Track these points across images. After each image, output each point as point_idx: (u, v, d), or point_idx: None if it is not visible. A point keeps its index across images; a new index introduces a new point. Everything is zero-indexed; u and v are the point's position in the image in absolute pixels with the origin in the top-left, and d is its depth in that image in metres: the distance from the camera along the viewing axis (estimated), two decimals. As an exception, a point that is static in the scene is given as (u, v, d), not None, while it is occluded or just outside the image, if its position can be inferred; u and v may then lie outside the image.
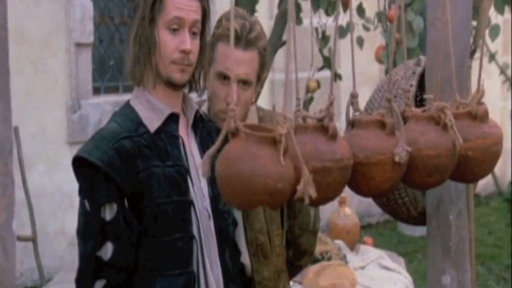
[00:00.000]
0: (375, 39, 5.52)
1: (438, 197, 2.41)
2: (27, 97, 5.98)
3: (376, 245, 5.17)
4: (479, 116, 2.13)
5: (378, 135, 1.91)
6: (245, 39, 2.26)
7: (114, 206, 2.02)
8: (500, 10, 4.13)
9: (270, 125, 1.72)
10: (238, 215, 2.34)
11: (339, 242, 4.12)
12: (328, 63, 4.66)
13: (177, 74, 2.07)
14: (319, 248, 3.62)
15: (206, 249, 2.11)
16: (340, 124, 1.80)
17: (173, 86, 2.09)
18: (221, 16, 2.32)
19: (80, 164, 2.04)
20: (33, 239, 5.28)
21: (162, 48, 2.05)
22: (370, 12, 4.58)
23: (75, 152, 2.09)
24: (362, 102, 2.01)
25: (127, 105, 2.14)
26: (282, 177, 1.63)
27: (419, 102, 2.73)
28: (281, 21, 4.37)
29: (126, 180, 2.02)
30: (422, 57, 2.59)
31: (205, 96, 2.37)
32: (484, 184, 8.50)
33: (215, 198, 2.16)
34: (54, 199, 6.24)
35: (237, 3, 3.93)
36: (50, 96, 6.23)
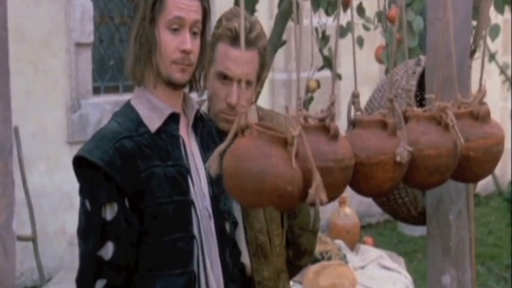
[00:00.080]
0: (375, 39, 5.52)
1: (438, 196, 2.41)
2: (27, 97, 5.98)
3: (376, 244, 5.17)
4: (481, 116, 2.13)
5: (379, 135, 1.91)
6: (245, 39, 2.26)
7: (114, 206, 2.02)
8: (500, 10, 4.13)
9: (281, 126, 1.70)
10: (238, 214, 2.34)
11: (339, 242, 4.12)
12: (328, 63, 4.66)
13: (177, 74, 2.07)
14: (319, 248, 3.62)
15: (207, 249, 2.11)
16: (340, 124, 1.79)
17: (174, 85, 2.09)
18: (221, 16, 2.32)
19: (80, 164, 2.04)
20: (33, 239, 5.28)
21: (162, 48, 2.05)
22: (370, 12, 4.58)
23: (75, 152, 2.09)
24: (362, 102, 2.01)
25: (127, 105, 2.14)
26: (293, 179, 1.61)
27: (419, 101, 2.73)
28: (281, 21, 4.37)
29: (127, 180, 2.02)
30: (422, 57, 2.59)
31: (205, 96, 2.37)
32: (484, 184, 8.50)
33: (215, 198, 2.16)
34: (54, 199, 6.24)
35: (236, 3, 3.94)
36: (50, 96, 6.23)
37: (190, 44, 2.06)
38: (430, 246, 2.48)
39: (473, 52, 2.85)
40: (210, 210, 2.14)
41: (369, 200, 2.38)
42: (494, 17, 4.02)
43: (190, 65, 2.09)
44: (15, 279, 1.40)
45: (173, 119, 2.12)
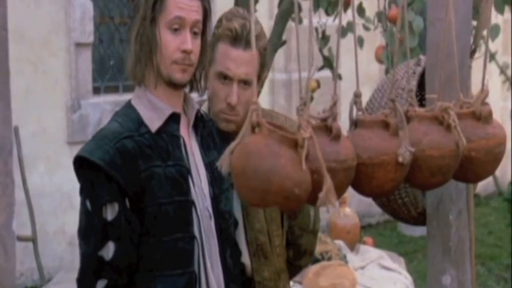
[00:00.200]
0: (375, 39, 5.52)
1: (438, 197, 2.41)
2: (27, 97, 5.98)
3: (376, 245, 5.17)
4: (483, 117, 2.13)
5: (381, 135, 1.90)
6: (245, 39, 2.26)
7: (115, 206, 2.02)
8: (500, 10, 4.13)
9: (291, 127, 1.67)
10: (238, 215, 2.34)
11: (339, 242, 4.12)
12: (328, 63, 4.66)
13: (178, 74, 2.07)
14: (319, 248, 3.62)
15: (207, 249, 2.11)
16: (341, 124, 1.79)
17: (174, 85, 2.09)
18: (221, 16, 2.32)
19: (81, 164, 2.04)
20: (33, 239, 5.28)
21: (163, 48, 2.05)
22: (370, 12, 4.58)
23: (75, 152, 2.09)
24: (362, 103, 2.01)
25: (128, 105, 2.14)
26: (301, 182, 1.59)
27: (419, 101, 2.72)
28: (281, 21, 4.37)
29: (128, 180, 2.01)
30: (422, 57, 2.59)
31: (205, 96, 2.37)
32: (484, 184, 8.50)
33: (216, 198, 2.16)
34: (54, 199, 6.24)
35: (236, 3, 3.93)
36: (50, 96, 6.23)
37: (191, 44, 2.06)
38: (430, 246, 2.48)
39: (473, 52, 2.85)
40: (210, 210, 2.14)
41: (369, 200, 2.38)
42: (494, 17, 4.03)
43: (191, 65, 2.09)
44: (15, 280, 1.40)
45: (174, 119, 2.12)
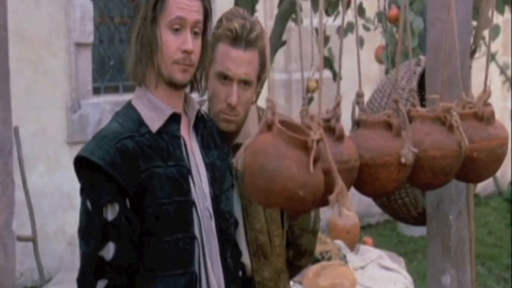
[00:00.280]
0: (375, 39, 5.52)
1: (438, 197, 2.41)
2: (27, 97, 5.98)
3: (376, 245, 5.17)
4: (485, 117, 2.13)
5: (384, 136, 1.90)
6: (245, 39, 2.26)
7: (116, 206, 2.02)
8: (500, 10, 4.13)
9: (307, 128, 1.65)
10: (238, 215, 2.34)
11: (339, 242, 4.12)
12: (328, 63, 4.66)
13: (178, 74, 2.07)
14: (319, 248, 3.62)
15: (207, 249, 2.11)
16: (341, 124, 1.79)
17: (175, 86, 2.09)
18: (221, 16, 2.32)
19: (81, 164, 2.04)
20: (33, 239, 5.28)
21: (164, 48, 2.05)
22: (370, 12, 4.58)
23: (75, 152, 2.09)
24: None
25: (129, 105, 2.14)
26: (306, 184, 1.57)
27: (419, 102, 2.72)
28: (281, 21, 4.37)
29: (128, 180, 2.01)
30: (422, 57, 2.59)
31: (205, 96, 2.36)
32: (484, 184, 8.50)
33: (216, 198, 2.16)
34: (54, 199, 6.24)
35: (237, 3, 3.94)
36: (50, 96, 6.23)
37: (192, 44, 2.06)
38: (430, 246, 2.48)
39: (473, 52, 2.85)
40: (211, 210, 2.14)
41: (369, 200, 2.38)
42: (495, 17, 4.03)
43: (192, 65, 2.09)
44: (15, 280, 1.40)
45: (174, 119, 2.12)
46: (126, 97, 4.33)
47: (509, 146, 2.23)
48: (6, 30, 1.37)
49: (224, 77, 2.27)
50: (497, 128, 2.15)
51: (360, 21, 4.50)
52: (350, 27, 4.14)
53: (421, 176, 2.00)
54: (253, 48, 2.27)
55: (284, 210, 2.28)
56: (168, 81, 2.08)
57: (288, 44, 5.84)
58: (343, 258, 3.90)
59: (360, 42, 4.54)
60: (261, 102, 2.63)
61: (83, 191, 2.06)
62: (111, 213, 2.02)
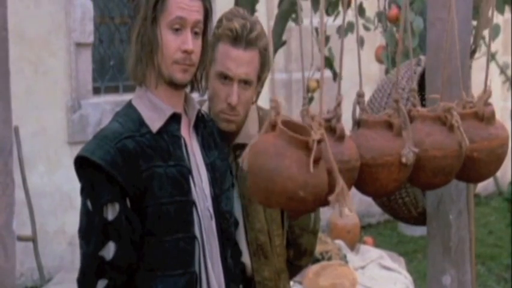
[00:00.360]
0: (375, 39, 5.52)
1: (438, 197, 2.41)
2: (27, 97, 5.98)
3: (376, 245, 5.17)
4: (486, 117, 2.13)
5: (385, 135, 1.90)
6: (246, 39, 2.26)
7: (116, 206, 2.02)
8: (500, 10, 4.13)
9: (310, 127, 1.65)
10: (238, 215, 2.34)
11: (339, 242, 4.12)
12: (328, 63, 4.66)
13: (179, 74, 2.07)
14: (319, 248, 3.62)
15: (208, 249, 2.11)
16: (341, 124, 1.79)
17: (175, 86, 2.09)
18: (221, 16, 2.32)
19: (82, 164, 2.04)
20: (33, 239, 5.27)
21: (164, 48, 2.05)
22: (370, 12, 4.58)
23: (75, 152, 2.09)
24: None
25: (129, 105, 2.14)
26: (306, 185, 1.57)
27: (420, 101, 2.72)
28: (281, 21, 4.37)
29: (129, 180, 2.01)
30: (422, 57, 2.59)
31: (205, 96, 2.36)
32: (484, 184, 8.50)
33: (217, 198, 2.16)
34: (54, 199, 6.24)
35: (237, 3, 3.93)
36: (50, 96, 6.23)
37: (192, 44, 2.06)
38: (430, 246, 2.48)
39: (473, 52, 2.85)
40: (211, 210, 2.14)
41: (369, 200, 2.38)
42: (495, 17, 4.03)
43: (192, 65, 2.08)
44: (15, 280, 1.40)
45: (175, 119, 2.11)
46: (126, 97, 4.33)
47: (510, 145, 2.23)
48: (6, 30, 1.37)
49: (224, 77, 2.27)
50: (497, 128, 2.15)
51: (360, 21, 4.51)
52: (350, 27, 4.14)
53: (422, 176, 2.00)
54: (254, 48, 2.27)
55: (285, 211, 2.28)
56: (168, 81, 2.08)
57: (288, 44, 5.84)
58: (344, 258, 3.90)
59: (360, 42, 4.54)
60: (261, 102, 2.63)
61: (83, 191, 2.06)
62: (111, 213, 2.02)
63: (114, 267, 2.03)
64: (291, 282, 2.67)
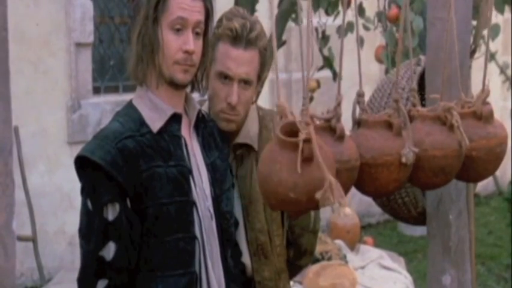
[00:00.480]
0: (375, 39, 5.52)
1: (438, 196, 2.41)
2: (27, 97, 5.98)
3: (376, 244, 5.17)
4: (484, 116, 2.13)
5: (384, 135, 1.90)
6: (246, 38, 2.26)
7: (116, 206, 2.02)
8: (500, 10, 4.13)
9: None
10: (238, 214, 2.34)
11: (339, 242, 4.12)
12: (328, 63, 4.66)
13: (180, 75, 2.07)
14: (319, 248, 3.62)
15: (208, 249, 2.11)
16: (341, 124, 1.79)
17: (176, 86, 2.09)
18: (222, 16, 2.32)
19: (82, 164, 2.04)
20: (33, 239, 5.27)
21: (165, 48, 2.05)
22: (370, 12, 4.58)
23: (75, 152, 2.08)
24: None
25: (129, 105, 2.14)
26: (296, 186, 1.59)
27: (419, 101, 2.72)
28: (281, 21, 4.37)
29: (129, 180, 2.01)
30: (422, 57, 2.59)
31: (206, 96, 2.36)
32: (484, 184, 8.50)
33: (217, 198, 2.16)
34: (54, 199, 6.24)
35: (237, 3, 3.93)
36: (50, 96, 6.23)
37: (193, 44, 2.06)
38: (430, 246, 2.48)
39: (473, 52, 2.85)
40: (211, 210, 2.14)
41: (369, 200, 2.38)
42: (494, 16, 4.03)
43: (193, 65, 2.08)
44: (15, 279, 1.40)
45: (175, 119, 2.11)
46: (126, 97, 4.33)
47: (509, 145, 2.23)
48: (6, 30, 1.37)
49: (224, 77, 2.27)
50: (496, 127, 2.15)
51: (360, 21, 4.51)
52: (350, 27, 4.14)
53: (422, 175, 2.00)
54: (254, 47, 2.27)
55: (286, 212, 2.28)
56: (169, 81, 2.08)
57: (288, 44, 5.84)
58: (343, 258, 3.90)
59: (360, 42, 4.54)
60: (261, 101, 2.63)
61: (83, 191, 2.06)
62: (111, 213, 2.02)
63: (114, 268, 2.03)
64: (291, 282, 2.67)
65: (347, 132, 1.87)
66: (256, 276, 2.39)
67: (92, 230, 2.03)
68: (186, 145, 2.13)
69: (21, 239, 5.07)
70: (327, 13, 4.44)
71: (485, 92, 2.15)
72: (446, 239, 2.42)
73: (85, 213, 2.05)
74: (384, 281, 3.80)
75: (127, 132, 2.05)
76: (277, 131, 1.64)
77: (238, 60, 2.25)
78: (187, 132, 2.15)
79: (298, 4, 1.74)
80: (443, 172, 2.01)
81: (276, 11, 4.46)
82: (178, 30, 2.05)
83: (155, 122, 2.09)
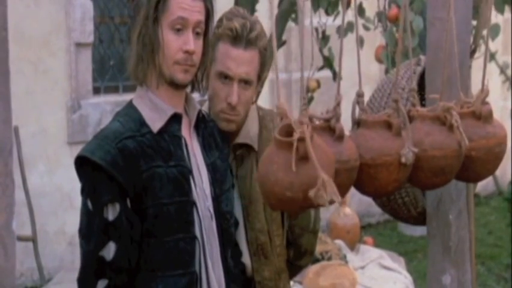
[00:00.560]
0: (375, 39, 5.52)
1: (438, 196, 2.41)
2: (27, 97, 5.98)
3: (376, 244, 5.17)
4: (483, 116, 2.13)
5: (384, 135, 1.90)
6: (246, 38, 2.26)
7: (116, 206, 2.02)
8: (500, 10, 4.13)
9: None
10: (238, 215, 2.34)
11: (339, 242, 4.12)
12: (328, 63, 4.66)
13: (180, 75, 2.07)
14: (319, 248, 3.62)
15: (208, 249, 2.11)
16: (341, 124, 1.79)
17: (176, 86, 2.09)
18: (222, 16, 2.32)
19: (82, 164, 2.04)
20: (33, 239, 5.28)
21: (165, 48, 2.05)
22: (370, 12, 4.57)
23: (75, 152, 2.08)
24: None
25: (130, 105, 2.14)
26: (292, 185, 1.60)
27: (419, 101, 2.72)
28: (281, 21, 4.37)
29: (129, 180, 2.01)
30: (422, 57, 2.59)
31: (206, 96, 2.36)
32: (484, 184, 8.50)
33: (217, 198, 2.16)
34: (54, 199, 6.24)
35: (237, 3, 3.93)
36: (50, 96, 6.23)
37: (193, 44, 2.06)
38: (430, 246, 2.48)
39: (473, 52, 2.85)
40: (211, 210, 2.14)
41: (369, 200, 2.38)
42: (494, 16, 4.03)
43: (193, 65, 2.08)
44: (15, 280, 1.40)
45: (175, 119, 2.11)
46: (126, 97, 4.33)
47: (509, 145, 2.23)
48: (6, 30, 1.37)
49: (224, 77, 2.27)
50: (495, 127, 2.15)
51: (360, 21, 4.50)
52: (350, 27, 4.14)
53: (421, 175, 2.00)
54: (254, 47, 2.27)
55: (285, 212, 2.29)
56: (169, 82, 2.08)
57: (288, 44, 5.84)
58: (343, 258, 3.90)
59: (360, 42, 4.54)
60: (261, 101, 2.63)
61: (83, 191, 2.06)
62: (111, 213, 2.02)
63: (115, 268, 2.03)
64: (291, 282, 2.67)
65: (346, 132, 1.87)
66: (256, 276, 2.39)
67: (92, 230, 2.03)
68: (186, 145, 2.13)
69: (21, 239, 5.07)
70: (327, 13, 4.43)
71: (484, 91, 2.15)
72: (446, 239, 2.42)
73: (85, 213, 2.05)
74: (384, 281, 3.80)
75: (127, 132, 2.05)
76: (275, 133, 1.65)
77: (238, 60, 2.25)
78: (187, 133, 2.15)
79: (298, 4, 1.75)
80: (443, 172, 2.01)
81: (276, 11, 4.47)
82: (178, 30, 2.05)
83: (155, 122, 2.09)
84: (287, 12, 4.35)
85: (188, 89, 2.17)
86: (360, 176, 1.86)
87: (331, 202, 1.59)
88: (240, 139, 2.36)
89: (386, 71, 4.33)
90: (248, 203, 2.36)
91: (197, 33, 2.08)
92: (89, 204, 2.03)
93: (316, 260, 3.69)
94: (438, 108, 2.06)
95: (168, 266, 2.06)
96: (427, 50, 2.41)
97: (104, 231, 2.02)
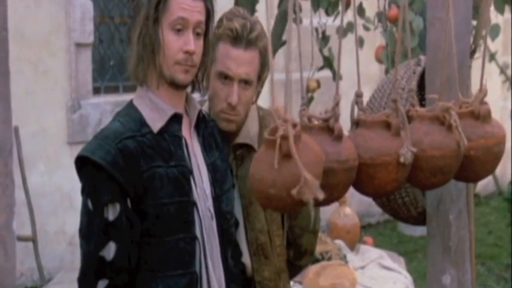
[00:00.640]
0: (375, 39, 5.52)
1: (438, 196, 2.41)
2: (27, 97, 5.98)
3: (376, 244, 5.17)
4: (481, 116, 2.13)
5: (383, 135, 1.90)
6: (246, 38, 2.26)
7: (117, 206, 2.02)
8: (500, 10, 4.13)
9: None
10: (239, 215, 2.34)
11: (339, 242, 4.12)
12: (328, 63, 4.66)
13: (180, 75, 2.07)
14: (319, 248, 3.62)
15: (208, 249, 2.11)
16: (340, 123, 1.79)
17: (176, 86, 2.09)
18: (222, 16, 2.32)
19: (82, 164, 2.04)
20: (33, 239, 5.28)
21: (166, 48, 2.05)
22: (370, 12, 4.58)
23: (75, 152, 2.08)
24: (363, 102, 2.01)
25: (130, 105, 2.14)
26: (275, 183, 1.61)
27: (419, 101, 2.72)
28: (281, 21, 4.37)
29: (129, 180, 2.01)
30: (422, 57, 2.59)
31: (206, 96, 2.37)
32: (484, 184, 8.50)
33: (218, 198, 2.16)
34: (54, 199, 6.24)
35: (237, 3, 3.93)
36: (50, 96, 6.23)
37: (194, 44, 2.06)
38: (430, 246, 2.48)
39: (473, 52, 2.85)
40: (212, 210, 2.14)
41: (369, 200, 2.38)
42: (494, 17, 4.03)
43: (194, 65, 2.08)
44: (15, 280, 1.40)
45: (176, 119, 2.11)
46: (126, 97, 4.33)
47: (509, 145, 2.23)
48: (6, 30, 1.37)
49: (225, 77, 2.27)
50: (494, 127, 2.15)
51: (360, 21, 4.50)
52: (350, 27, 4.14)
53: (420, 175, 2.00)
54: (254, 47, 2.27)
55: (275, 210, 2.29)
56: (169, 82, 2.08)
57: (288, 44, 5.83)
58: (343, 258, 3.90)
59: (360, 42, 4.54)
60: (261, 101, 2.63)
61: (84, 191, 2.06)
62: (112, 213, 2.02)
63: (115, 268, 2.03)
64: (291, 282, 2.67)
65: (345, 132, 1.87)
66: (256, 276, 2.39)
67: (92, 230, 2.04)
68: (186, 145, 2.13)
69: (21, 239, 5.07)
70: (327, 13, 4.44)
71: (482, 91, 2.15)
72: (446, 239, 2.42)
73: (85, 213, 2.05)
74: (384, 281, 3.80)
75: (127, 133, 2.05)
76: (265, 133, 1.67)
77: (239, 61, 2.26)
78: (187, 133, 2.15)
79: (297, 4, 1.75)
80: (442, 172, 2.01)
81: (275, 11, 4.47)
82: (179, 30, 2.06)
83: (156, 122, 2.09)
84: (287, 12, 4.35)
85: (188, 89, 2.17)
86: (358, 176, 1.86)
87: (317, 200, 1.58)
88: (240, 139, 2.37)
89: (387, 71, 4.33)
90: (248, 203, 2.36)
91: (197, 34, 2.08)
92: (89, 204, 2.04)
93: (316, 260, 3.69)
94: (437, 108, 2.06)
95: (168, 266, 2.06)
96: (427, 50, 2.41)
97: (104, 231, 2.02)
